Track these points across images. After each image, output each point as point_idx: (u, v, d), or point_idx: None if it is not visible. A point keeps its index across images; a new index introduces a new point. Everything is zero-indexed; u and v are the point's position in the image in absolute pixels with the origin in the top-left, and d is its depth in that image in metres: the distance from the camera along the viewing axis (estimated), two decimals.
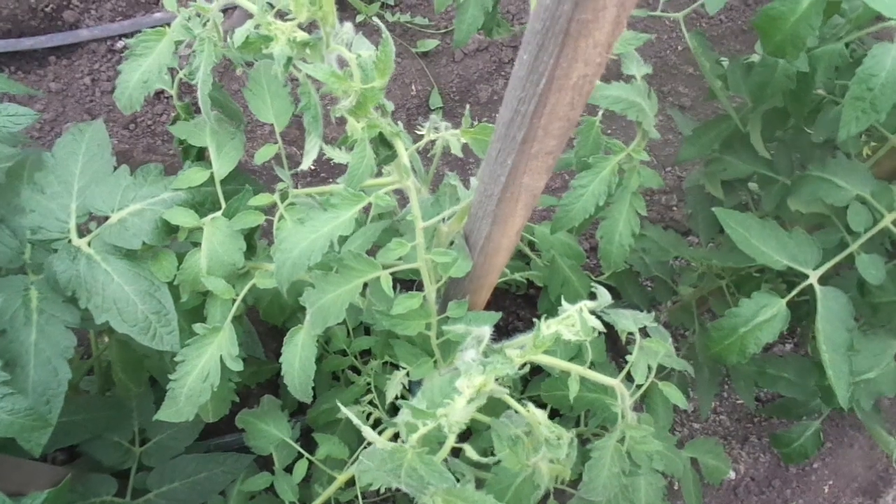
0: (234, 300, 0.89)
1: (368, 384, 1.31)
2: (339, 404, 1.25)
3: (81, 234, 0.92)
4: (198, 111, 1.08)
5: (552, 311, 1.35)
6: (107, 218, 0.93)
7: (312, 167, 1.95)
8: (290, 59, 0.68)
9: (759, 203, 1.35)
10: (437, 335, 0.85)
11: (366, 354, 1.40)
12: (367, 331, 1.44)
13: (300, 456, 1.18)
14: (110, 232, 0.91)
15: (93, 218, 0.94)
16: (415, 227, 0.76)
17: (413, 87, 2.06)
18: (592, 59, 0.51)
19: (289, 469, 1.17)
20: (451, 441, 0.66)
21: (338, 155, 1.00)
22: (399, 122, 0.80)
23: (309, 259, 0.71)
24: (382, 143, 0.82)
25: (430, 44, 2.07)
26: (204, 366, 0.87)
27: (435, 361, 0.89)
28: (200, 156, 1.10)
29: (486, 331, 0.77)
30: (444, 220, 0.85)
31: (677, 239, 1.49)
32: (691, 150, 1.15)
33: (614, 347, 1.59)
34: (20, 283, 0.91)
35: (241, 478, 1.26)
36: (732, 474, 1.69)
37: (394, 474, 0.65)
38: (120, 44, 2.07)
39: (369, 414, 1.27)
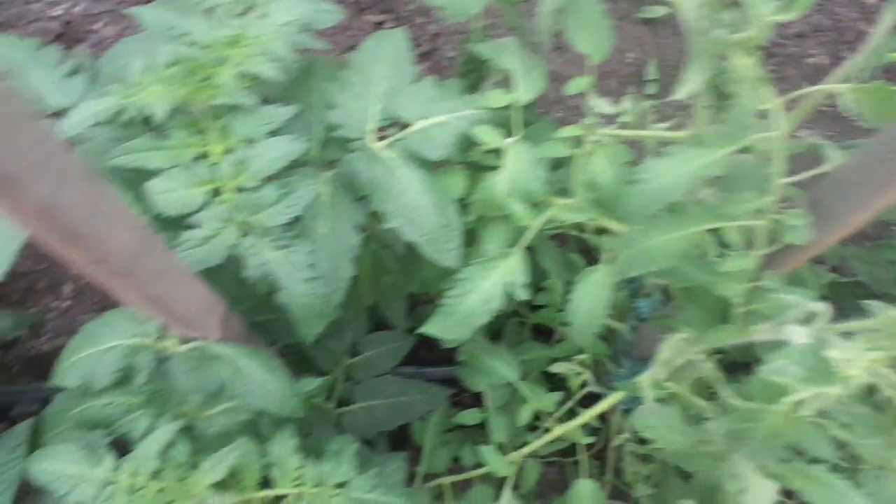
0: (528, 227, 0.86)
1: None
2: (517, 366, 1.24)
3: (378, 138, 0.93)
4: (489, 36, 1.06)
5: None
6: (405, 126, 0.93)
7: None
8: None
9: None
10: (745, 303, 0.80)
11: None
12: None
13: (513, 399, 1.17)
14: (412, 140, 0.90)
15: (390, 125, 0.95)
16: (769, 183, 0.71)
17: (628, 55, 1.99)
18: None
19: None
20: (808, 415, 0.61)
21: (602, 104, 0.96)
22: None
23: (668, 195, 0.68)
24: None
25: (658, 11, 1.98)
26: (488, 289, 0.86)
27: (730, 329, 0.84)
28: (478, 80, 1.09)
29: (824, 307, 0.71)
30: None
31: None
32: None
33: None
34: (313, 177, 0.93)
35: (438, 410, 1.26)
36: None
37: (743, 438, 0.61)
38: None
39: (578, 373, 1.24)
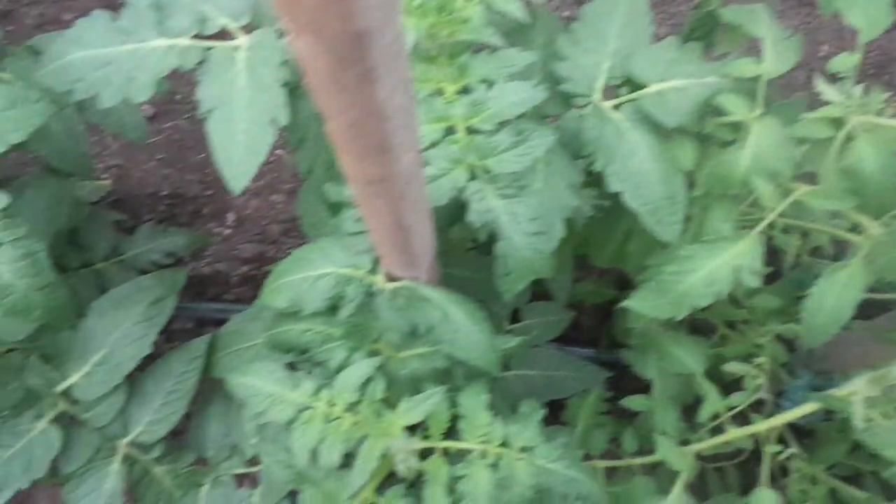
0: (769, 210, 0.79)
1: (757, 346, 1.19)
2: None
3: (606, 97, 0.88)
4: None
5: None
6: (636, 87, 0.87)
7: None
8: None
9: None
10: None
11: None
12: None
13: (682, 392, 1.12)
14: (646, 102, 0.85)
15: (620, 84, 0.89)
16: None
17: (824, 47, 1.84)
18: None
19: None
20: None
21: (829, 91, 0.87)
22: None
23: None
24: None
25: None
26: (714, 270, 0.80)
27: None
28: (705, 46, 1.02)
29: None
30: None
31: None
32: None
33: None
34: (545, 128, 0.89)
35: (594, 390, 1.21)
36: None
37: None
38: None
39: (755, 377, 1.16)
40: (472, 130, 0.78)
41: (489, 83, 0.79)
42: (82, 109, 1.09)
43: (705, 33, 0.99)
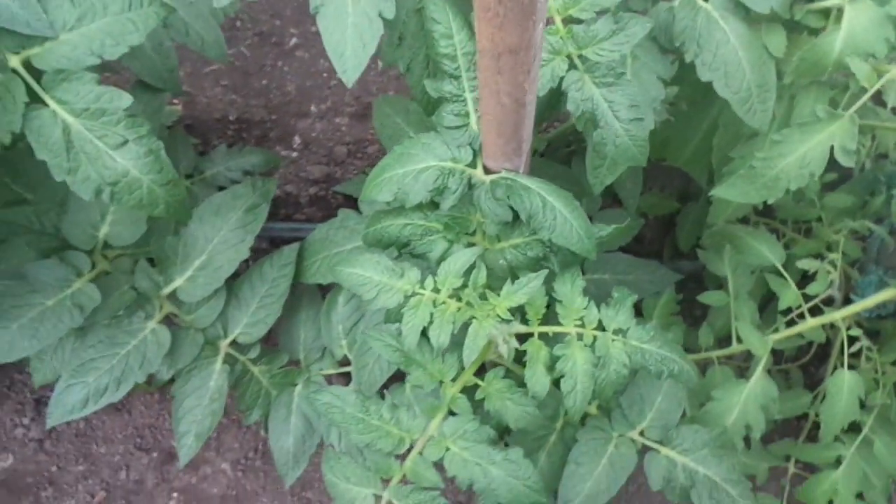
0: (864, 91, 0.81)
1: (828, 247, 1.22)
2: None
3: None
4: None
5: None
6: None
7: None
8: None
9: None
10: None
11: None
12: None
13: (755, 287, 1.15)
14: None
15: None
16: None
17: None
18: None
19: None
20: None
21: None
22: None
23: None
24: None
25: None
26: (807, 152, 0.82)
27: None
28: None
29: None
30: None
31: None
32: None
33: None
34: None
35: (667, 292, 1.25)
36: None
37: None
38: None
39: (827, 272, 1.19)
40: (569, 20, 0.80)
41: None
42: (167, 27, 1.13)
43: None
